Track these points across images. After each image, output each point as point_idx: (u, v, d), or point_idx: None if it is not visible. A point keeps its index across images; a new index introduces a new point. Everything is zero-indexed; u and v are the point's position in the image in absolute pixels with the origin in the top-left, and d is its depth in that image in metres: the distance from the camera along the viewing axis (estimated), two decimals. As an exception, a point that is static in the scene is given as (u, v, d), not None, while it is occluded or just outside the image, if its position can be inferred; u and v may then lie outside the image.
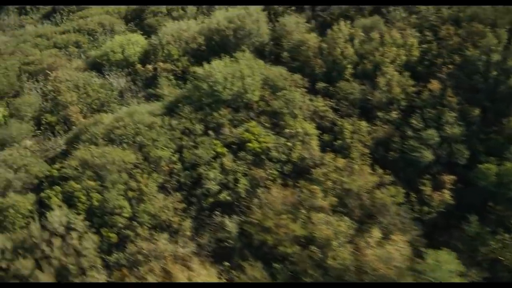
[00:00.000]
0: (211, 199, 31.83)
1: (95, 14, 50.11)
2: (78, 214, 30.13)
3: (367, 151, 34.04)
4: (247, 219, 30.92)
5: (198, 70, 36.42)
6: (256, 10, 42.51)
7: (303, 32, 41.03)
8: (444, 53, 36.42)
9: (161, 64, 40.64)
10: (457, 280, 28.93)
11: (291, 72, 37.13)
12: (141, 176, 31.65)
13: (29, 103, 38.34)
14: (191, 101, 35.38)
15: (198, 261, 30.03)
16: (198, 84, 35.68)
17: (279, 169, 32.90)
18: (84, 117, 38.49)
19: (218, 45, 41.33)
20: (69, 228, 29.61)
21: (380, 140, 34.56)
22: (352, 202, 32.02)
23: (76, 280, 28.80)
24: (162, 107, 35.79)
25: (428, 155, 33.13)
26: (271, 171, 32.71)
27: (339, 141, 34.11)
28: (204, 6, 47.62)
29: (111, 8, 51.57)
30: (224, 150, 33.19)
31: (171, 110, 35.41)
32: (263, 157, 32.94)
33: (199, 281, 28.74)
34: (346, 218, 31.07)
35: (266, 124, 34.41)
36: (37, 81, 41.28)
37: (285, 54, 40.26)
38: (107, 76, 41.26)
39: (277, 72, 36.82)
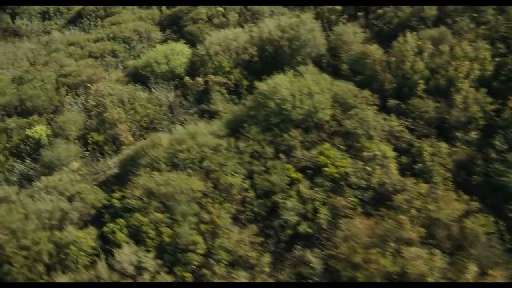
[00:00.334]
0: (289, 231, 28.31)
1: (128, 21, 46.06)
2: (148, 251, 26.39)
3: (449, 175, 30.80)
4: (331, 253, 27.52)
5: (262, 85, 32.77)
6: (309, 19, 39.01)
7: (359, 42, 37.81)
8: (521, 67, 33.45)
9: (212, 77, 36.94)
10: None
11: (359, 88, 33.84)
12: (213, 206, 28.00)
13: (73, 121, 34.32)
14: (257, 121, 31.77)
15: (279, 300, 26.63)
16: (262, 101, 32.08)
17: (359, 196, 29.52)
18: (133, 136, 34.72)
19: (271, 57, 37.76)
20: (139, 267, 25.90)
21: (462, 163, 31.28)
22: (441, 232, 28.80)
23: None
24: (223, 127, 32.11)
25: (516, 180, 30.07)
26: (351, 199, 29.34)
27: (419, 164, 30.76)
28: (247, 13, 43.97)
29: (143, 13, 47.54)
30: (299, 175, 29.69)
31: (235, 131, 31.75)
32: (342, 183, 29.52)
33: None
34: (437, 250, 27.88)
35: (341, 146, 30.94)
36: (77, 95, 37.25)
37: (344, 66, 36.95)
38: (153, 90, 37.50)
39: (345, 87, 33.35)
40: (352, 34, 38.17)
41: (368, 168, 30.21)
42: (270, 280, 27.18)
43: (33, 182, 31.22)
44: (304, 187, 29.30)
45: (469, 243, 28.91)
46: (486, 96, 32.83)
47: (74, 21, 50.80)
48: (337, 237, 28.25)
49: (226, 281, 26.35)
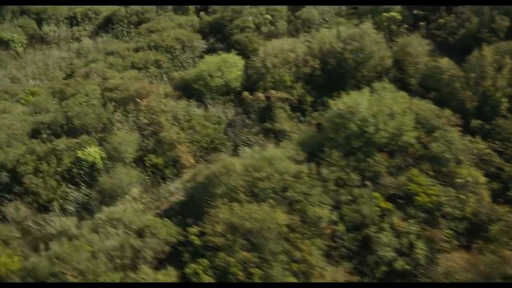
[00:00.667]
0: (384, 268, 25.37)
1: (167, 28, 42.36)
2: (238, 295, 23.27)
3: (545, 202, 28.23)
4: (433, 293, 24.71)
5: (337, 104, 29.62)
6: (370, 29, 35.92)
7: (425, 55, 34.94)
8: None
9: (273, 92, 33.66)
10: None
11: (439, 107, 30.94)
12: (302, 243, 24.88)
13: (128, 141, 30.83)
14: (336, 144, 28.68)
15: None
16: (340, 122, 28.98)
17: (453, 228, 26.66)
18: (194, 157, 31.37)
19: (334, 70, 34.63)
20: (230, 315, 22.79)
21: (556, 190, 28.78)
22: (545, 267, 26.23)
23: None
24: (300, 150, 28.94)
25: None
26: (446, 231, 26.48)
27: (513, 191, 28.17)
28: (297, 21, 40.64)
29: (182, 20, 43.87)
30: (389, 205, 26.71)
31: (313, 155, 28.60)
32: (436, 213, 26.64)
33: None
34: (544, 288, 25.24)
35: (429, 172, 28.04)
36: (127, 111, 33.65)
37: (413, 81, 34.04)
38: (208, 106, 34.13)
39: (426, 107, 30.38)
40: (417, 46, 35.31)
41: (461, 196, 27.37)
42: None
43: (93, 213, 27.76)
44: (396, 218, 26.37)
45: None
46: None
47: (103, 27, 46.99)
48: (437, 273, 25.43)
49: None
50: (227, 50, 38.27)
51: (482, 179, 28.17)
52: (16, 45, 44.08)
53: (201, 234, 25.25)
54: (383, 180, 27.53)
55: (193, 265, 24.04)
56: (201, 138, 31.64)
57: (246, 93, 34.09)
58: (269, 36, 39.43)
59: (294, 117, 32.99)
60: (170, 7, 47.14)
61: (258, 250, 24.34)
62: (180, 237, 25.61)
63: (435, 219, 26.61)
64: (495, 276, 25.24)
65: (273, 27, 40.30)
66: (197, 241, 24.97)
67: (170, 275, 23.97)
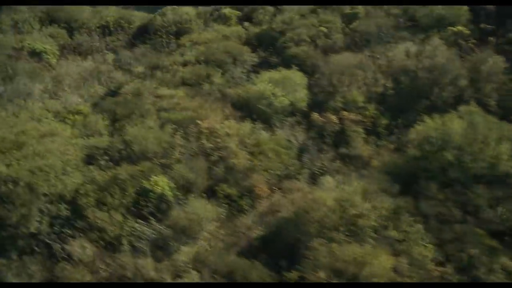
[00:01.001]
0: (498, 314, 23.38)
1: (213, 40, 39.66)
2: None
3: None
4: None
5: (426, 130, 27.43)
6: (441, 46, 33.81)
7: (501, 73, 32.98)
8: None
9: (346, 113, 31.35)
10: None
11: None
12: None
13: (197, 170, 28.25)
14: (431, 175, 26.50)
15: None
16: (431, 150, 26.81)
17: None
18: (269, 186, 28.90)
19: (408, 90, 32.44)
20: None
21: None
22: None
23: None
24: (389, 181, 26.70)
25: None
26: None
27: None
28: (354, 34, 38.27)
29: (228, 31, 41.19)
30: (495, 243, 24.62)
31: (406, 186, 26.40)
32: (546, 251, 24.73)
33: None
34: None
35: (532, 204, 26.14)
36: (187, 134, 31.02)
37: (491, 101, 32.02)
38: (276, 128, 31.69)
39: (516, 131, 28.46)
40: (492, 63, 33.32)
41: None
42: None
43: (169, 252, 25.15)
44: (505, 258, 24.32)
45: None
46: None
47: (138, 37, 44.11)
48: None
49: None
50: (284, 65, 35.75)
51: None
52: (49, 56, 40.93)
53: (300, 278, 22.97)
54: (484, 214, 25.50)
55: (298, 317, 21.82)
56: (274, 165, 29.19)
57: (315, 115, 31.77)
58: (326, 50, 37.06)
59: (369, 141, 30.81)
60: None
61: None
62: (273, 281, 23.33)
63: (546, 257, 24.81)
64: None
65: (328, 40, 37.93)
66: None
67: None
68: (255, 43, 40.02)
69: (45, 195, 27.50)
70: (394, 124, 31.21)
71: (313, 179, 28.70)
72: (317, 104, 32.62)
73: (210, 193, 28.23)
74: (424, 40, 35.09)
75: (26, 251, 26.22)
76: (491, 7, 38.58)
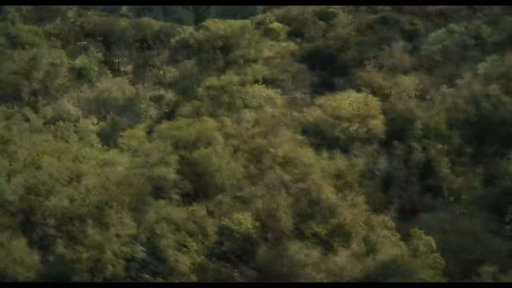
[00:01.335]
0: None
1: (265, 56, 37.36)
2: None
3: None
4: None
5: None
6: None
7: None
8: None
9: (430, 142, 29.26)
10: None
11: None
12: None
13: (283, 206, 25.86)
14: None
15: None
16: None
17: None
18: (358, 222, 26.65)
19: (491, 115, 30.54)
20: None
21: None
22: None
23: None
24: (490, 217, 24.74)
25: None
26: None
27: None
28: (420, 54, 36.30)
29: (278, 47, 38.87)
30: None
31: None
32: None
33: None
34: None
35: None
36: (260, 162, 28.58)
37: None
38: (355, 157, 29.49)
39: None
40: None
41: None
42: None
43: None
44: None
45: None
46: None
47: (180, 51, 41.42)
48: None
49: None
50: (349, 87, 33.67)
51: None
52: (89, 72, 38.08)
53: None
54: None
55: None
56: (360, 199, 27.08)
57: (395, 143, 29.68)
58: (393, 70, 35.02)
59: (456, 171, 28.87)
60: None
61: None
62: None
63: None
64: None
65: (393, 59, 35.88)
66: None
67: None
68: (311, 61, 37.87)
69: (117, 235, 24.96)
70: (480, 152, 29.36)
71: (402, 213, 26.67)
72: (395, 130, 30.56)
73: (297, 231, 25.98)
74: (498, 60, 33.29)
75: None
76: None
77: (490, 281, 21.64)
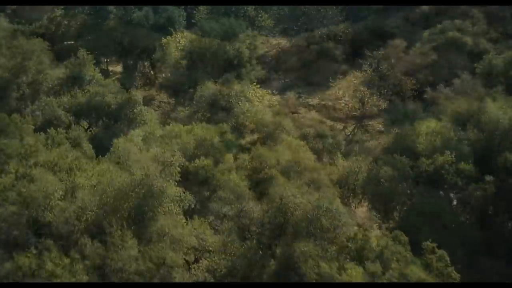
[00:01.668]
0: None
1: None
2: None
3: None
4: None
5: None
6: None
7: None
8: None
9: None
10: None
11: None
12: None
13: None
14: None
15: None
16: None
17: None
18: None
19: None
20: None
21: None
22: None
23: None
24: None
25: None
26: None
27: None
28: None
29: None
30: None
31: None
32: None
33: None
34: None
35: None
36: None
37: None
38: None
39: None
40: None
41: None
42: None
43: None
44: None
45: None
46: None
47: (229, 69, 35.80)
48: None
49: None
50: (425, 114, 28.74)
51: None
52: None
53: None
54: None
55: None
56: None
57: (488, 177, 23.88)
58: (462, 93, 30.39)
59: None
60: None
61: None
62: None
63: None
64: None
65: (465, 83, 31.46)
66: None
67: None
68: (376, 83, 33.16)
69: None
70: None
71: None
72: (484, 163, 24.80)
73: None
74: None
75: None
76: None
77: None
